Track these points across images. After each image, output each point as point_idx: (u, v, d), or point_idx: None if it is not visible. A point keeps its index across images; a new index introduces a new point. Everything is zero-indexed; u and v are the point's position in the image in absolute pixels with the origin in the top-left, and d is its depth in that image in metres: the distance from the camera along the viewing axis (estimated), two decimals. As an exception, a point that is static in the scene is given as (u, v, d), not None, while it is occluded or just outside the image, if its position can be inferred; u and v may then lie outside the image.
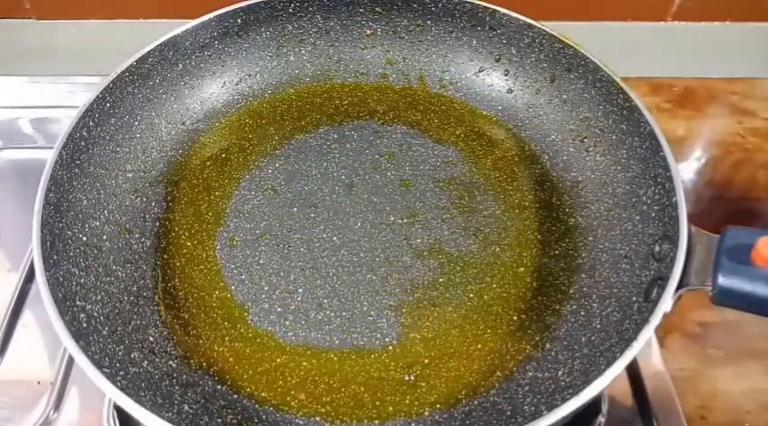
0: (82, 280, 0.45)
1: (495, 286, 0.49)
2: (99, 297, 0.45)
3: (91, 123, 0.51)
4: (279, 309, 0.48)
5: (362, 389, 0.44)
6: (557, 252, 0.51)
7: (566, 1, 0.73)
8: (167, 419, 0.36)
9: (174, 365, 0.44)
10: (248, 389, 0.44)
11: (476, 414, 0.43)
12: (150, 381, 0.42)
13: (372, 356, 0.46)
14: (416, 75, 0.63)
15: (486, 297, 0.48)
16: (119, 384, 0.38)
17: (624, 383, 0.49)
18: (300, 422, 0.43)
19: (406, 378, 0.44)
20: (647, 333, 0.38)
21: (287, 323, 0.47)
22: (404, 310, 0.48)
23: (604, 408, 0.46)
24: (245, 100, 0.61)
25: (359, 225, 0.52)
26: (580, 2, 0.74)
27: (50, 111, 0.67)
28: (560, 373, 0.44)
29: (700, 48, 0.75)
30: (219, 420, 0.42)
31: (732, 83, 0.72)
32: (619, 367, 0.38)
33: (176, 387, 0.43)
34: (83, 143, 0.50)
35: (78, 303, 0.43)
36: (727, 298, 0.39)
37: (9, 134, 0.66)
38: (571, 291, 0.48)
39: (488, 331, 0.47)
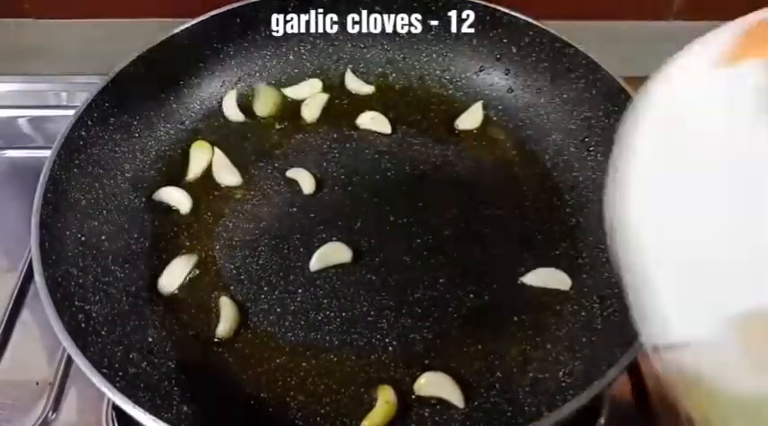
0: (80, 281, 0.45)
1: (495, 286, 0.49)
2: (98, 298, 0.45)
3: (89, 123, 0.50)
4: (278, 310, 0.48)
5: (362, 389, 0.44)
6: (557, 252, 0.51)
7: (566, 1, 0.73)
8: (166, 420, 0.36)
9: (172, 366, 0.44)
10: (248, 389, 0.44)
11: (476, 415, 0.43)
12: (149, 382, 0.42)
13: (372, 356, 0.45)
14: (416, 75, 0.63)
15: (486, 297, 0.48)
16: (118, 384, 0.38)
17: (624, 383, 0.49)
18: (300, 423, 0.43)
19: (406, 379, 0.44)
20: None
21: (286, 323, 0.47)
22: (404, 310, 0.48)
23: (605, 408, 0.45)
24: (245, 99, 0.61)
25: (359, 225, 0.52)
26: (580, 2, 0.74)
27: (49, 111, 0.67)
28: (561, 374, 0.43)
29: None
30: (219, 420, 0.42)
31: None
32: (619, 367, 0.38)
33: (175, 388, 0.43)
34: (81, 143, 0.50)
35: (77, 303, 0.43)
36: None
37: (8, 134, 0.66)
38: (572, 292, 0.48)
39: (489, 331, 0.47)
